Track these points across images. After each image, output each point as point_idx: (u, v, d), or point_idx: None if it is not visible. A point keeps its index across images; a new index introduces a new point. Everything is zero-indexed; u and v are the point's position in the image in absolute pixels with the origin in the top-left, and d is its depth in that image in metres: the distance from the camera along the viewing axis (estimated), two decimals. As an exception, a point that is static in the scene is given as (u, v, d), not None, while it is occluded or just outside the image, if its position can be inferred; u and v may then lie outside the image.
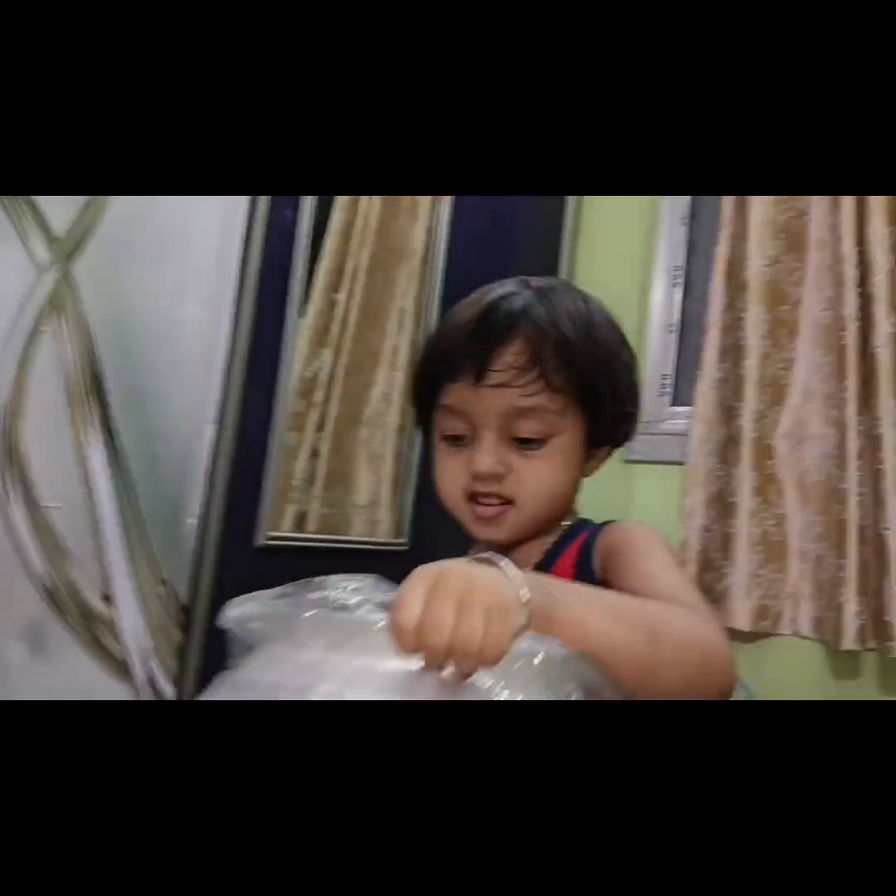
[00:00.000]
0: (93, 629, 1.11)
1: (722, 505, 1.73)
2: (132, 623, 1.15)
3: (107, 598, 1.13)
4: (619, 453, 1.94)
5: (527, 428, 0.76)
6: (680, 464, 1.83)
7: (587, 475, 0.85)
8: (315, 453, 1.52)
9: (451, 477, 0.79)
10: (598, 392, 0.79)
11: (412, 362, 0.85)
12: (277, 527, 1.40)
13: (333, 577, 0.62)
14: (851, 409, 1.55)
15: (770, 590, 1.64)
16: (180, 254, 1.24)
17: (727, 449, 1.75)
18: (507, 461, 0.76)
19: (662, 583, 0.68)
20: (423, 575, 0.50)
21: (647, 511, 1.94)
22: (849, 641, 1.47)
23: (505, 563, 0.53)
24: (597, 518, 1.96)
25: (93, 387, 1.14)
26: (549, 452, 0.77)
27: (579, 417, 0.79)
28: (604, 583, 0.73)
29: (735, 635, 1.68)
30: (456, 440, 0.78)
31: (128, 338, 1.19)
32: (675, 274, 2.07)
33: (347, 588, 0.60)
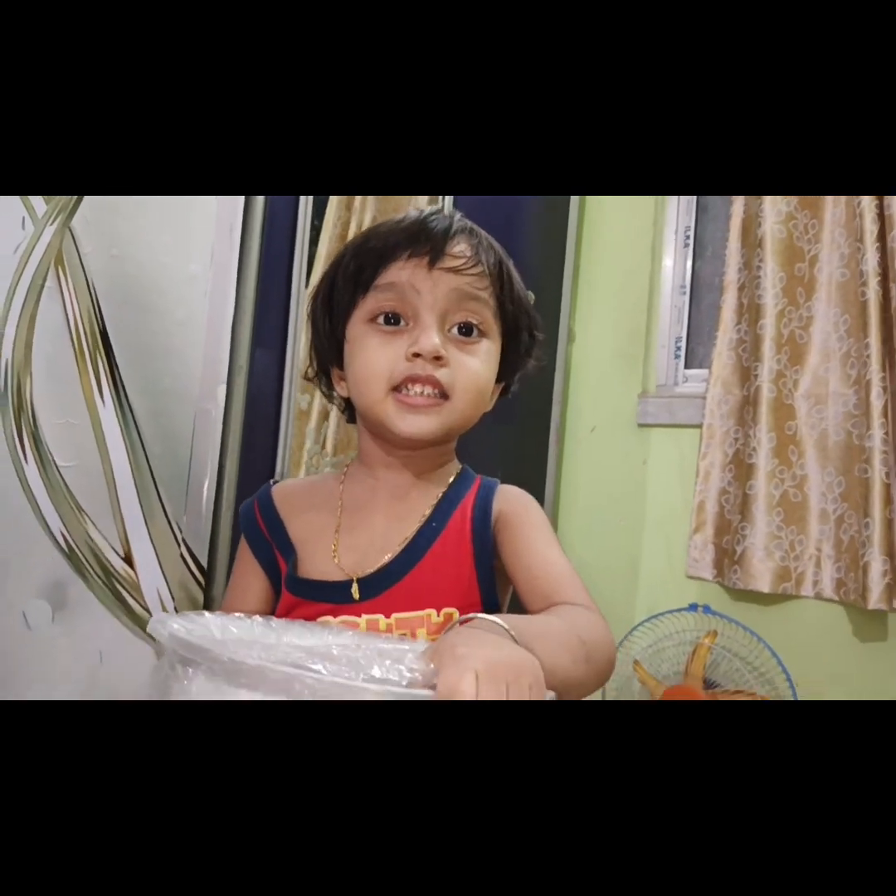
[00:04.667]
0: (115, 588, 1.09)
1: (739, 467, 1.71)
2: (153, 582, 1.12)
3: (127, 559, 1.10)
4: (632, 417, 1.96)
5: (471, 312, 0.78)
6: (695, 426, 1.80)
7: (487, 409, 0.85)
8: (326, 416, 1.50)
9: (383, 361, 0.77)
10: (518, 318, 0.83)
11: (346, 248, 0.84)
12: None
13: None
14: (875, 366, 1.52)
15: (791, 551, 1.62)
16: (181, 210, 1.21)
17: (744, 410, 1.72)
18: (446, 348, 0.77)
19: (557, 569, 0.76)
20: (471, 665, 0.53)
21: (663, 474, 1.91)
22: (875, 601, 1.45)
23: (510, 629, 0.60)
24: (614, 482, 1.96)
25: (99, 343, 1.11)
26: (482, 350, 0.79)
27: (498, 337, 0.82)
28: (495, 545, 0.79)
29: (757, 597, 1.67)
30: (391, 322, 0.78)
31: (132, 294, 1.15)
32: (685, 235, 2.04)
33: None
